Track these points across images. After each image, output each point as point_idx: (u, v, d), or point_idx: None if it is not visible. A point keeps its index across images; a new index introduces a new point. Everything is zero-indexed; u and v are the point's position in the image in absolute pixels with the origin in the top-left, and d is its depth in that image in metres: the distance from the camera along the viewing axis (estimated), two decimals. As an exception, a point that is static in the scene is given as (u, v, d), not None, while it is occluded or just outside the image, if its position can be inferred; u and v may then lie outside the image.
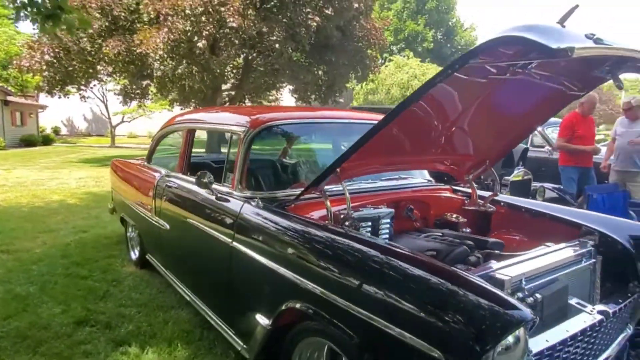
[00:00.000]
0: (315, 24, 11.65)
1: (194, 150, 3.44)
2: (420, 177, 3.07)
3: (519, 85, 2.15)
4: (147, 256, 3.90)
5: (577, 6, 1.71)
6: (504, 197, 2.95)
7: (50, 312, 3.20)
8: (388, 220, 2.36)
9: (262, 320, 2.11)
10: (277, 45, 11.23)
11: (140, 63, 11.46)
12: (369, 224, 2.27)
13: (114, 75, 13.29)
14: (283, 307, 1.95)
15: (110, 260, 4.39)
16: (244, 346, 2.33)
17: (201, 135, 3.98)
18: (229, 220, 2.44)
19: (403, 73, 19.85)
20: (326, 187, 2.31)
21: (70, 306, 3.30)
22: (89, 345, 2.75)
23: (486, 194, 2.95)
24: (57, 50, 11.83)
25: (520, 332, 1.31)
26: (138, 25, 11.72)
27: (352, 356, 1.67)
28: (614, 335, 2.05)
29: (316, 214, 2.30)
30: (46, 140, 24.04)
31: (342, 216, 2.20)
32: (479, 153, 2.81)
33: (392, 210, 2.40)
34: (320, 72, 13.96)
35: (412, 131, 2.30)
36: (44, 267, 4.14)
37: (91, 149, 21.51)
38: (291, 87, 18.07)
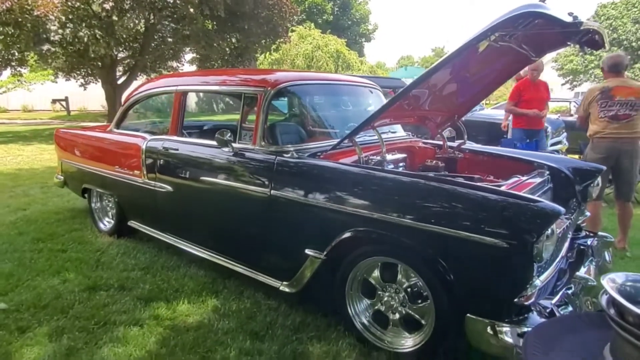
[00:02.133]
0: (229, -11, 11.38)
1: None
2: (402, 131, 3.58)
3: (494, 52, 2.71)
4: (129, 223, 3.87)
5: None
6: (468, 145, 3.58)
7: (50, 284, 3.11)
8: (403, 163, 2.82)
9: (313, 253, 2.44)
10: (191, 10, 10.75)
11: (30, 25, 10.10)
12: (391, 166, 2.71)
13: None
14: (340, 238, 2.31)
15: (77, 233, 4.21)
16: (284, 282, 2.65)
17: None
18: (263, 173, 2.68)
19: (307, 44, 20.24)
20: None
21: (67, 277, 3.22)
22: (118, 305, 2.81)
23: (453, 143, 3.56)
24: None
25: (555, 223, 1.87)
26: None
27: (414, 263, 2.13)
28: (566, 238, 2.81)
29: (346, 161, 2.65)
30: None
31: (373, 159, 2.60)
32: (452, 109, 3.39)
33: (406, 155, 2.87)
34: (234, 40, 13.68)
35: (420, 93, 2.77)
36: (4, 246, 3.85)
37: (-46, 127, 18.29)
38: (191, 57, 17.38)
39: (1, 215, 4.82)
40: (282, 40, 15.22)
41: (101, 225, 4.25)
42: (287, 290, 2.62)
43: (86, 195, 4.38)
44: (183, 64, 18.97)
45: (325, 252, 2.39)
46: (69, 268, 3.37)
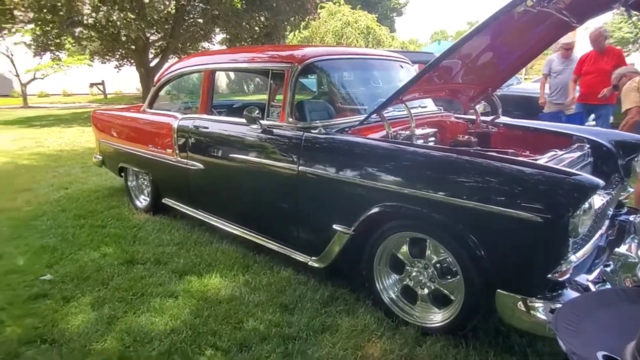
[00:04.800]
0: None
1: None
2: (432, 106, 3.48)
3: (532, 19, 2.57)
4: (164, 200, 3.98)
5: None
6: (503, 119, 3.45)
7: (91, 257, 3.26)
8: (433, 138, 2.77)
9: (341, 229, 2.45)
10: (219, -11, 10.75)
11: (66, 9, 10.37)
12: (421, 141, 2.66)
13: (37, 23, 11.86)
14: (368, 213, 2.30)
15: (115, 210, 4.38)
16: (313, 258, 2.68)
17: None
18: (291, 149, 2.69)
19: (336, 20, 19.84)
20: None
21: (107, 251, 3.37)
22: (154, 278, 2.92)
23: (487, 117, 3.44)
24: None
25: (593, 197, 1.79)
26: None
27: (443, 238, 2.10)
28: (606, 214, 2.69)
29: (374, 136, 2.62)
30: (-59, 104, 21.01)
31: (402, 134, 2.56)
32: (485, 81, 3.26)
33: (436, 129, 2.80)
34: (262, 19, 13.60)
35: (451, 65, 2.67)
36: (48, 222, 4.06)
37: (3, 111, 19.23)
38: (222, 37, 17.45)
39: (46, 193, 5.08)
40: (311, 17, 15.00)
41: (137, 203, 4.40)
42: (315, 265, 2.65)
43: (123, 173, 4.54)
44: (214, 44, 19.10)
45: (353, 228, 2.39)
46: (109, 243, 3.52)
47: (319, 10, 18.68)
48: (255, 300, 2.61)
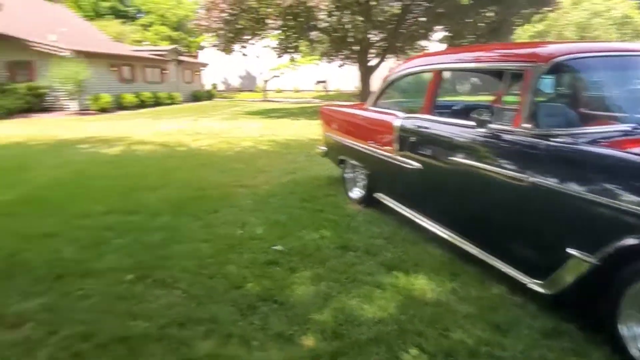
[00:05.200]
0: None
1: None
2: None
3: None
4: (375, 195, 4.17)
5: None
6: None
7: (311, 238, 3.65)
8: None
9: (580, 255, 2.10)
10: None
11: (306, 15, 11.89)
12: None
13: (282, 29, 14.08)
14: (620, 243, 1.91)
15: (332, 198, 4.81)
16: (536, 280, 2.38)
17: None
18: (523, 158, 2.45)
19: (581, 10, 17.06)
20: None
21: (325, 234, 3.72)
22: (364, 267, 3.09)
23: None
24: (233, 7, 12.91)
25: None
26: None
27: None
28: None
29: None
30: (209, 96, 27.10)
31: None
32: None
33: None
34: (491, 14, 12.82)
35: None
36: (279, 201, 4.74)
37: (248, 103, 23.55)
38: (440, 35, 17.20)
39: (278, 176, 5.96)
40: (549, 8, 13.32)
41: (351, 194, 4.72)
42: (540, 290, 2.35)
43: (342, 165, 4.94)
44: (431, 43, 19.06)
45: (598, 257, 2.02)
46: (326, 227, 3.88)
47: (560, 0, 16.55)
48: (464, 312, 2.49)
